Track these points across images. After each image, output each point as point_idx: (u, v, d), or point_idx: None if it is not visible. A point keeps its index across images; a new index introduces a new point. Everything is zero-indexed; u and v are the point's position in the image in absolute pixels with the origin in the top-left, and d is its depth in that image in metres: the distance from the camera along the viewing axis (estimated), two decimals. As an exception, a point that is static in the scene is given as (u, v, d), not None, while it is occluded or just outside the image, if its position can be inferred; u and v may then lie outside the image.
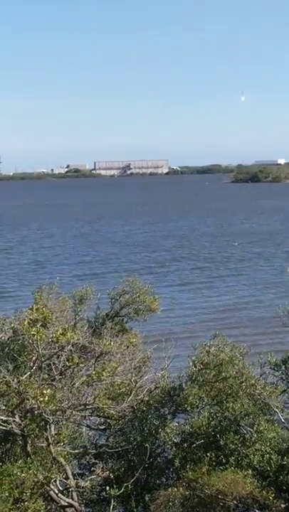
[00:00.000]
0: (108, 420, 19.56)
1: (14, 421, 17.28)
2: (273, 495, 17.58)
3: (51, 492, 18.02)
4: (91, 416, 19.19)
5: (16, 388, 16.80)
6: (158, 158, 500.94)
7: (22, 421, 17.41)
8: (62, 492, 18.38)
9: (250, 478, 17.77)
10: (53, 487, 17.99)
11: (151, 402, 20.00)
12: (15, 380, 16.85)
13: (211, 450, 19.04)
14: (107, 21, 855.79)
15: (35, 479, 17.17)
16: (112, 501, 18.22)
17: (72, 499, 18.51)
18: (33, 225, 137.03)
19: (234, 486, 17.39)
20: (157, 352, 21.51)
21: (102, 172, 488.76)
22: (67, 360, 17.19)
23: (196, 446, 19.47)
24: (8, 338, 18.34)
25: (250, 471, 18.12)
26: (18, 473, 16.79)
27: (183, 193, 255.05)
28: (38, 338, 16.76)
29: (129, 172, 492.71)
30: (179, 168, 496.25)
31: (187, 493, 17.77)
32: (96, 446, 19.94)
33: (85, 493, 18.86)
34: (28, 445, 17.92)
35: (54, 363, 17.46)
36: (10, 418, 17.21)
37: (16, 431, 17.53)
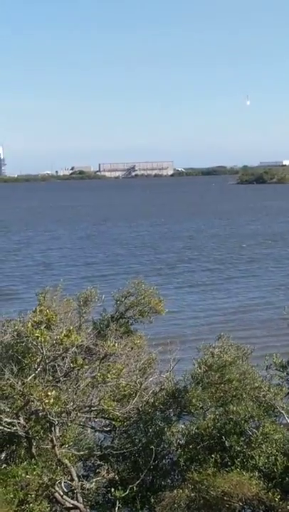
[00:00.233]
0: (113, 422, 19.52)
1: (19, 423, 17.27)
2: (279, 496, 17.51)
3: (56, 494, 18.01)
4: (96, 418, 19.15)
5: (20, 390, 16.80)
6: (163, 160, 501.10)
7: (27, 423, 17.41)
8: (67, 494, 18.36)
9: (255, 479, 17.71)
10: (57, 489, 17.98)
11: (156, 403, 19.98)
12: (19, 382, 16.85)
13: (216, 452, 18.99)
14: (107, 21, 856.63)
15: (40, 481, 17.18)
16: (117, 503, 18.19)
17: (77, 501, 18.50)
18: (39, 226, 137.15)
19: (240, 488, 17.34)
20: (164, 354, 21.49)
21: (107, 174, 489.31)
22: (72, 362, 17.18)
23: (202, 448, 19.43)
24: (12, 340, 18.32)
25: (256, 473, 18.06)
26: (23, 475, 16.81)
27: (188, 194, 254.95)
28: (42, 340, 16.76)
29: (133, 174, 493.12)
30: (184, 170, 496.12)
31: (192, 494, 17.73)
32: (101, 448, 19.91)
33: (90, 495, 18.83)
34: (33, 447, 17.92)
35: (59, 365, 17.44)
36: (15, 420, 17.20)
37: (20, 433, 17.52)
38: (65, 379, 17.45)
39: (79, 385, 17.33)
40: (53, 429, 17.56)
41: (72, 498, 18.41)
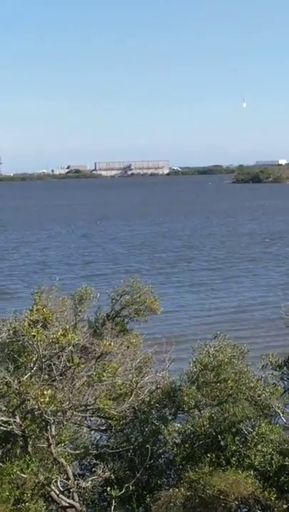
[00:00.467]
0: (109, 421, 19.52)
1: (15, 422, 17.26)
2: (275, 495, 17.54)
3: (52, 493, 18.00)
4: (92, 416, 19.15)
5: (16, 389, 16.79)
6: (159, 159, 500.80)
7: (22, 422, 17.39)
8: (63, 493, 18.35)
9: (251, 478, 17.71)
10: (53, 488, 17.97)
11: (152, 402, 19.98)
12: (15, 380, 16.85)
13: (212, 451, 19.00)
14: (108, 21, 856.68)
15: (36, 480, 17.15)
16: (113, 502, 18.18)
17: (73, 500, 18.50)
18: (36, 225, 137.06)
19: (236, 487, 17.34)
20: (160, 353, 21.48)
21: (103, 173, 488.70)
22: (68, 361, 17.17)
23: (197, 447, 19.44)
24: (8, 339, 18.31)
25: (251, 472, 18.06)
26: (19, 473, 16.79)
27: (185, 193, 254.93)
28: (39, 338, 16.75)
29: (129, 172, 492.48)
30: (179, 169, 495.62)
31: (188, 493, 17.73)
32: (97, 447, 19.92)
33: (86, 494, 18.83)
34: (29, 446, 17.90)
35: (54, 364, 17.44)
36: (10, 419, 17.19)
37: (16, 432, 17.50)
38: (61, 378, 17.45)
39: (75, 384, 17.33)
40: (48, 427, 17.55)
41: (68, 497, 18.40)
